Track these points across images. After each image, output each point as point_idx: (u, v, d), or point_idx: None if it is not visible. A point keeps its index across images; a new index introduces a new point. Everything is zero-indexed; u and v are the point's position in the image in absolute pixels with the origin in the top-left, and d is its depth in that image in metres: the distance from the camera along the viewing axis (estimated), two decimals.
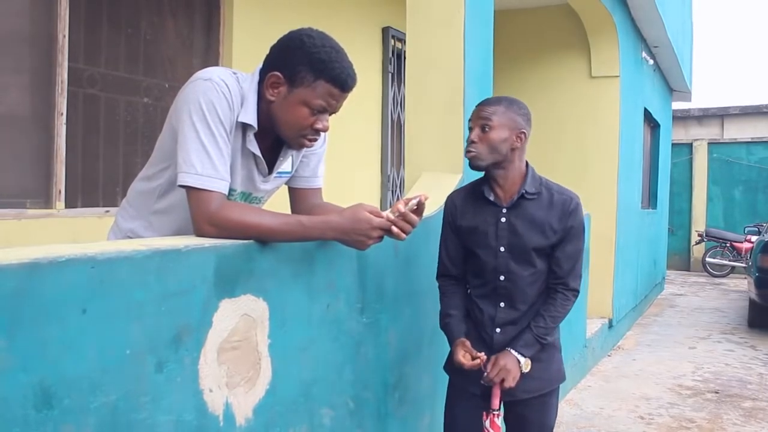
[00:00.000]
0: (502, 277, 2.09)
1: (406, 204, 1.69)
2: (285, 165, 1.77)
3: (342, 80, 1.59)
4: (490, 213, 2.10)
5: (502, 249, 2.08)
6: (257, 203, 1.78)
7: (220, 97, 1.52)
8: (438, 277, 2.26)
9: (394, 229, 1.65)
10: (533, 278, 2.09)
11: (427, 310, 2.44)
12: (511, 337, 2.10)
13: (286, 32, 1.64)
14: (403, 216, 1.66)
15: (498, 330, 2.11)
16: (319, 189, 1.89)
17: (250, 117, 1.59)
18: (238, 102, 1.57)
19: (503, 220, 2.08)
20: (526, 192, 2.07)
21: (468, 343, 2.09)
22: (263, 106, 1.61)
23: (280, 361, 1.62)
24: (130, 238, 1.71)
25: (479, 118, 2.05)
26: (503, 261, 2.08)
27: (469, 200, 2.16)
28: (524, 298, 2.10)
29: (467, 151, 2.06)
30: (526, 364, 2.06)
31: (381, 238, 1.67)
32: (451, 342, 2.15)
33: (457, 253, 2.19)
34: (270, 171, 1.72)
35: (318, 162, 1.87)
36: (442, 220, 2.25)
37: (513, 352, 2.05)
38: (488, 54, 3.18)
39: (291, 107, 1.59)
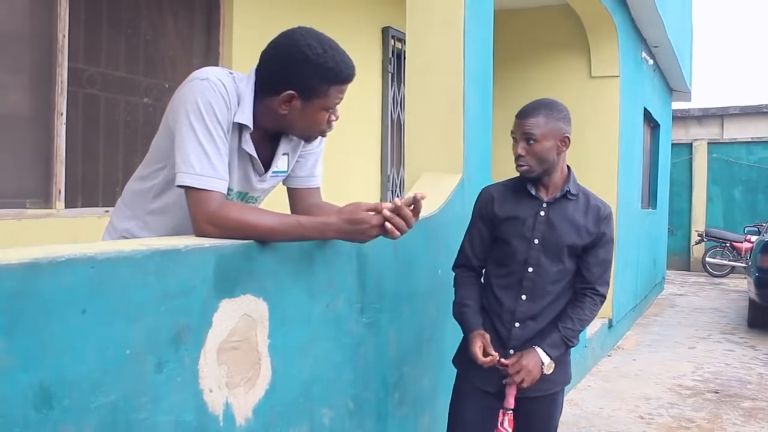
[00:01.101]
0: (530, 269, 2.11)
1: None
2: (281, 164, 1.77)
3: (349, 77, 1.63)
4: (530, 205, 2.14)
5: (536, 241, 2.11)
6: (254, 203, 1.79)
7: (217, 96, 1.53)
8: (455, 267, 2.28)
9: (388, 225, 1.62)
10: (560, 276, 2.11)
11: (427, 310, 2.44)
12: (531, 333, 2.10)
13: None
14: (397, 210, 1.63)
15: (517, 324, 2.11)
16: (318, 189, 1.90)
17: (247, 118, 1.59)
18: (234, 102, 1.58)
19: (542, 213, 2.12)
20: (569, 192, 2.12)
21: (488, 336, 2.09)
22: (260, 107, 1.62)
23: (279, 361, 1.62)
24: (126, 238, 1.71)
25: (522, 132, 2.08)
26: (535, 253, 2.11)
27: (508, 192, 2.20)
28: (546, 293, 2.11)
29: (518, 165, 2.10)
30: (549, 366, 2.05)
31: (381, 233, 1.66)
32: (467, 332, 2.15)
33: (483, 244, 2.21)
34: (266, 170, 1.73)
35: (315, 161, 1.87)
36: (472, 211, 2.27)
37: (539, 351, 2.05)
38: (488, 54, 3.17)
39: (309, 115, 1.63)
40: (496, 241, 2.19)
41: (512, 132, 2.13)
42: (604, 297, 2.15)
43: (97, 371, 1.17)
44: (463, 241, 2.27)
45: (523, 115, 2.10)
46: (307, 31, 1.61)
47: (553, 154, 2.08)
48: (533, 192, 2.14)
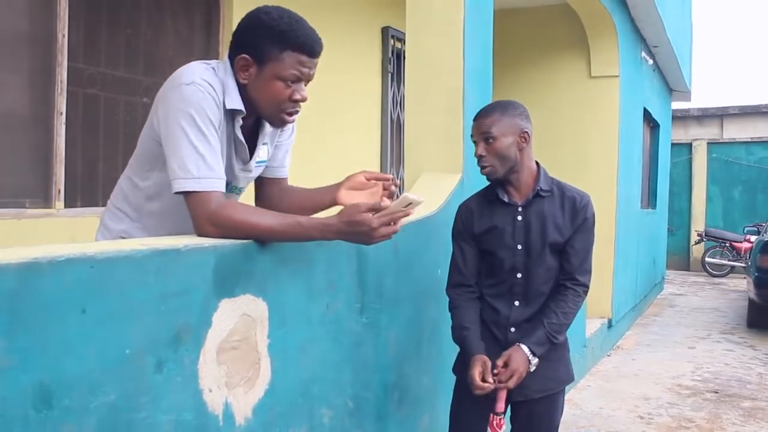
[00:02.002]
0: (519, 275, 2.11)
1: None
2: (262, 154, 1.79)
3: (308, 46, 1.60)
4: (506, 213, 2.13)
5: (519, 247, 2.11)
6: (237, 193, 1.80)
7: (207, 98, 1.54)
8: (450, 288, 2.22)
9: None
10: (548, 275, 2.11)
11: (426, 310, 2.44)
12: (524, 334, 2.09)
13: None
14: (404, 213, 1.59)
15: (513, 329, 2.11)
16: (285, 179, 1.93)
17: (236, 102, 1.61)
18: (221, 96, 1.59)
19: (519, 218, 2.12)
20: (541, 189, 2.11)
21: (488, 363, 2.03)
22: (242, 91, 1.63)
23: (279, 361, 1.62)
24: (123, 239, 1.71)
25: (480, 133, 2.09)
26: (521, 259, 2.11)
27: (484, 204, 2.19)
28: (538, 295, 2.11)
29: (481, 167, 2.10)
30: (534, 365, 2.03)
31: (387, 234, 1.61)
32: (468, 356, 2.10)
33: (474, 259, 2.19)
34: (250, 158, 1.74)
35: (285, 153, 1.91)
36: (452, 229, 2.24)
37: (525, 349, 2.03)
38: (488, 54, 3.18)
39: (265, 84, 1.61)
40: (481, 253, 2.18)
41: (472, 136, 2.14)
42: (586, 286, 2.13)
43: (97, 371, 1.17)
44: (453, 261, 2.22)
45: (479, 116, 2.12)
46: (274, 6, 1.62)
47: (514, 150, 2.08)
48: (506, 199, 2.13)
